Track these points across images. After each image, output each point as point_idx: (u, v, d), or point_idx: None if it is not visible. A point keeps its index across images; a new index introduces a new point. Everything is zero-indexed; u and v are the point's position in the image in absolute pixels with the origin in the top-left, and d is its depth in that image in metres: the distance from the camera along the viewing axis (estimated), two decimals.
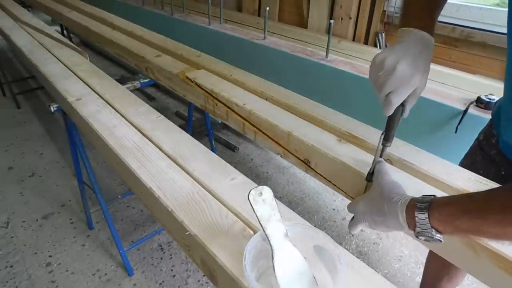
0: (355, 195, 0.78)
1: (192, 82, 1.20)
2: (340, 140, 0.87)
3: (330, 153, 0.82)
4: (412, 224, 0.52)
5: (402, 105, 0.61)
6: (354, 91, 1.43)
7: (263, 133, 0.99)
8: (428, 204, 0.51)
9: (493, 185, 0.72)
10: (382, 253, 1.66)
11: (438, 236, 0.50)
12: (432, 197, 0.52)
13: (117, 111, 1.07)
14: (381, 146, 0.68)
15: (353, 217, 0.65)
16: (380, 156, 0.70)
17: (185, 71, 1.27)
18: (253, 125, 1.02)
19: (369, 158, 0.76)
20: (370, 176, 0.69)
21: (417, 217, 0.51)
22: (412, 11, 0.64)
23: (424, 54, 0.60)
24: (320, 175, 0.86)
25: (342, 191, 0.82)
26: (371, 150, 0.82)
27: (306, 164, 0.89)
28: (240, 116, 1.05)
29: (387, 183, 0.60)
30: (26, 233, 1.73)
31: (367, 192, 0.65)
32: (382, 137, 0.67)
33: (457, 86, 1.41)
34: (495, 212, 0.45)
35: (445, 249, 0.67)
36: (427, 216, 0.50)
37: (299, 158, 0.90)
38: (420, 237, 0.52)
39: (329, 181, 0.85)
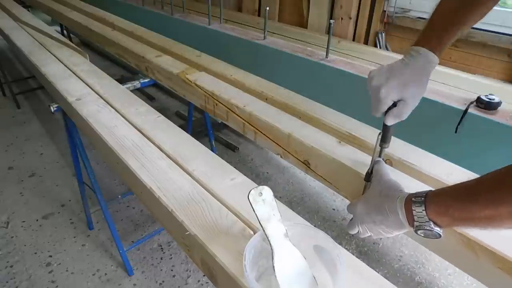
0: (355, 196, 0.78)
1: (192, 83, 1.20)
2: (340, 142, 0.87)
3: (330, 155, 0.81)
4: (410, 219, 0.53)
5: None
6: (354, 91, 1.42)
7: (263, 134, 0.99)
8: (424, 197, 0.51)
9: None
10: (382, 253, 1.66)
11: (436, 229, 0.50)
12: (429, 191, 0.52)
13: (117, 111, 1.07)
14: (378, 147, 0.68)
15: (352, 217, 0.65)
16: (379, 156, 0.70)
17: (185, 71, 1.28)
18: (253, 126, 1.02)
19: (368, 159, 0.76)
20: (369, 176, 0.69)
21: (414, 210, 0.51)
22: (429, 29, 0.65)
23: (421, 76, 0.63)
24: (320, 176, 0.86)
25: (343, 192, 0.82)
26: (371, 151, 0.82)
27: (306, 165, 0.89)
28: (241, 117, 1.05)
29: (386, 182, 0.61)
30: (26, 233, 1.73)
31: (366, 192, 0.65)
32: (380, 137, 0.67)
33: (457, 86, 1.41)
34: (485, 191, 0.44)
35: (445, 250, 0.67)
36: (423, 209, 0.50)
37: (299, 159, 0.91)
38: (419, 232, 0.52)
39: (329, 182, 0.85)
